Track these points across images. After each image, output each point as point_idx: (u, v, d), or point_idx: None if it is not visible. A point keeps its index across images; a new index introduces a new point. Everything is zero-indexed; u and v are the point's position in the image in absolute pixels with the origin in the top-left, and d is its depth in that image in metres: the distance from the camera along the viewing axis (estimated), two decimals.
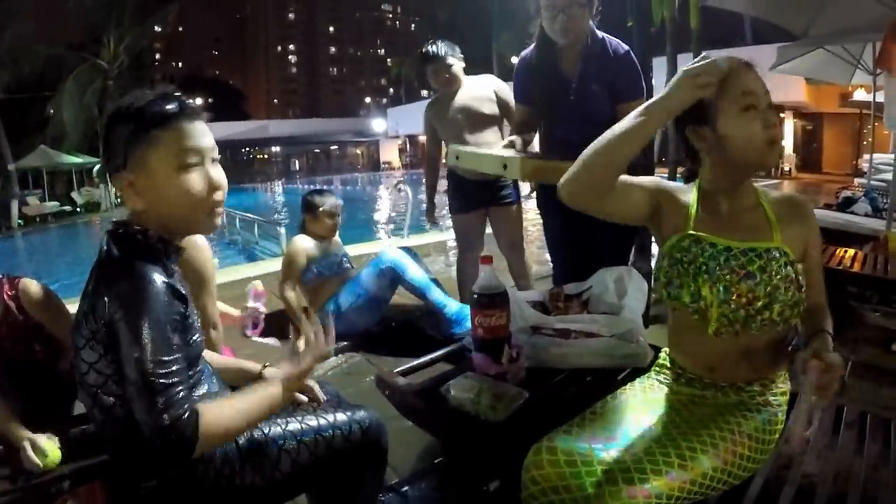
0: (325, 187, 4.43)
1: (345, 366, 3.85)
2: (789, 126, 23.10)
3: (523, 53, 3.02)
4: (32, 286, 2.15)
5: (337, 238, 4.24)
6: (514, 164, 2.29)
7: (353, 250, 4.42)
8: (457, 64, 4.18)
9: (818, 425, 1.85)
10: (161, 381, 1.29)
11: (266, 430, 1.61)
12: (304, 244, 4.02)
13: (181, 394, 1.31)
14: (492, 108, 4.17)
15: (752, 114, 1.54)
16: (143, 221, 1.46)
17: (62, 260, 15.16)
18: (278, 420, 1.69)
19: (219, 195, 1.51)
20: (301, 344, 3.81)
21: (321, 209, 4.01)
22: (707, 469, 1.45)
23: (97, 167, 27.78)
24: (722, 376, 1.65)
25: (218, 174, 1.50)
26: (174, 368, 1.32)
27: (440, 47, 4.13)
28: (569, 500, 1.39)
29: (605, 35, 2.86)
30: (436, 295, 3.81)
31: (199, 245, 2.34)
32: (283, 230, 9.58)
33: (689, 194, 1.72)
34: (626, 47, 2.87)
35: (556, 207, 3.08)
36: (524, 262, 4.50)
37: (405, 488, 2.35)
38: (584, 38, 2.80)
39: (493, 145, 2.79)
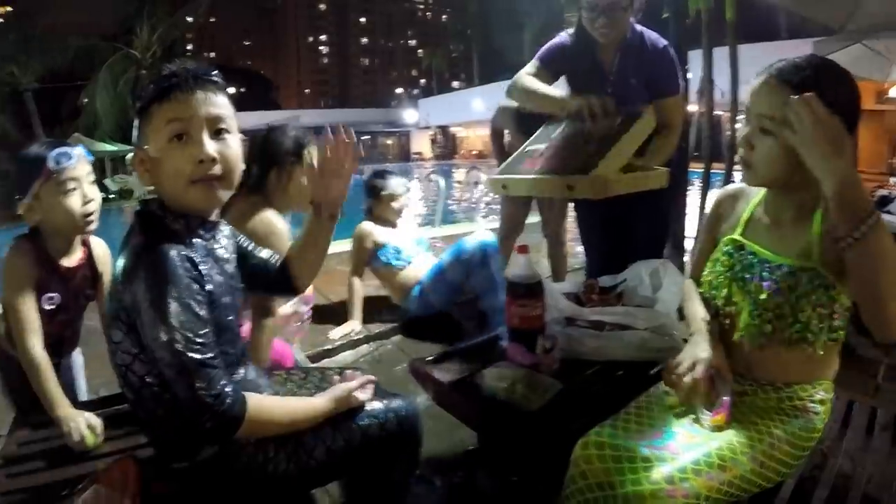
0: (387, 170, 4.37)
1: (376, 353, 3.86)
2: None
3: (561, 35, 2.96)
4: (100, 244, 2.27)
5: (409, 223, 4.27)
6: (583, 185, 2.18)
7: (448, 231, 4.45)
8: None
9: (851, 426, 1.85)
10: (195, 356, 1.30)
11: None
12: (367, 229, 4.02)
13: (218, 367, 1.33)
14: None
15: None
16: (162, 199, 1.48)
17: None
18: None
19: (218, 168, 1.45)
20: (339, 332, 3.93)
21: (383, 192, 4.02)
22: (745, 471, 1.45)
23: (130, 155, 28.08)
24: (760, 375, 1.64)
25: (214, 145, 1.44)
26: (207, 342, 1.33)
27: None
28: (611, 496, 1.40)
29: (643, 29, 2.82)
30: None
31: (274, 229, 2.35)
32: None
33: (752, 197, 1.69)
34: (665, 42, 2.82)
35: (590, 201, 3.07)
36: (564, 252, 4.61)
37: (437, 477, 2.35)
38: (624, 31, 2.76)
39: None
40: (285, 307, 2.71)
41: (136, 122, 1.46)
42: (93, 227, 2.09)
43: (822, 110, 1.26)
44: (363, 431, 1.66)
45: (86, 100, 30.63)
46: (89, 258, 2.20)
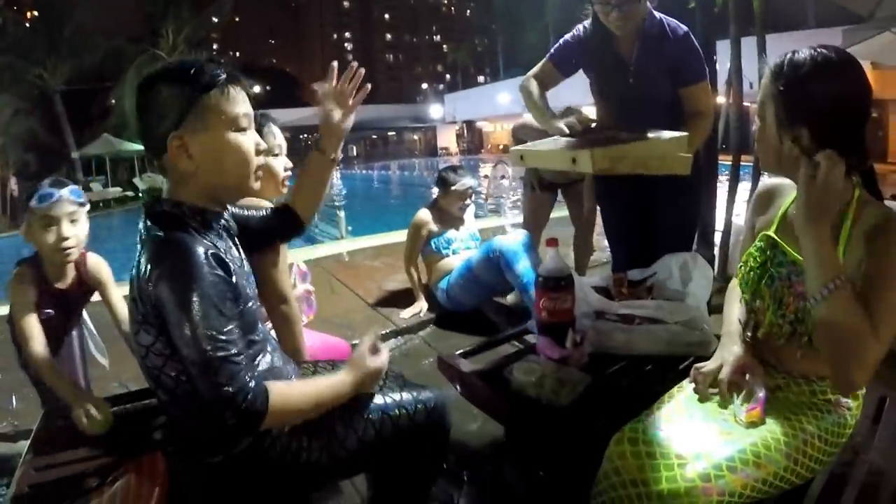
0: (460, 165, 4.71)
1: (404, 347, 3.90)
2: None
3: (577, 28, 2.93)
4: (93, 259, 2.48)
5: (466, 218, 4.42)
6: (583, 158, 2.18)
7: (476, 225, 4.65)
8: None
9: (883, 422, 1.83)
10: (219, 353, 1.31)
11: (333, 408, 1.63)
12: (425, 218, 4.26)
13: (242, 363, 1.34)
14: None
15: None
16: (183, 192, 1.49)
17: (124, 243, 15.52)
18: None
19: (261, 159, 1.58)
20: (408, 312, 4.21)
21: (453, 187, 4.24)
22: (778, 468, 1.44)
23: None
24: (791, 368, 1.62)
25: (259, 140, 1.57)
26: (231, 339, 1.34)
27: None
28: (644, 493, 1.39)
29: (662, 16, 2.79)
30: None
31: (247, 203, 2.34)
32: (342, 214, 9.65)
33: (790, 194, 1.66)
34: (685, 28, 2.79)
35: (616, 195, 3.07)
36: (589, 244, 4.73)
37: (465, 472, 2.36)
38: (641, 21, 2.72)
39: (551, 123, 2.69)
40: (296, 291, 2.74)
41: (153, 99, 1.45)
42: (70, 258, 2.33)
43: (822, 176, 1.31)
44: (394, 422, 1.68)
45: (114, 101, 30.92)
46: (80, 279, 2.43)
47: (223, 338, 1.33)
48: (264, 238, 1.92)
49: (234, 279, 1.43)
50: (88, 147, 28.16)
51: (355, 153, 64.33)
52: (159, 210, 1.47)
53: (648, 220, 3.02)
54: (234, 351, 1.33)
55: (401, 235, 7.88)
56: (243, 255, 1.66)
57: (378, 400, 1.70)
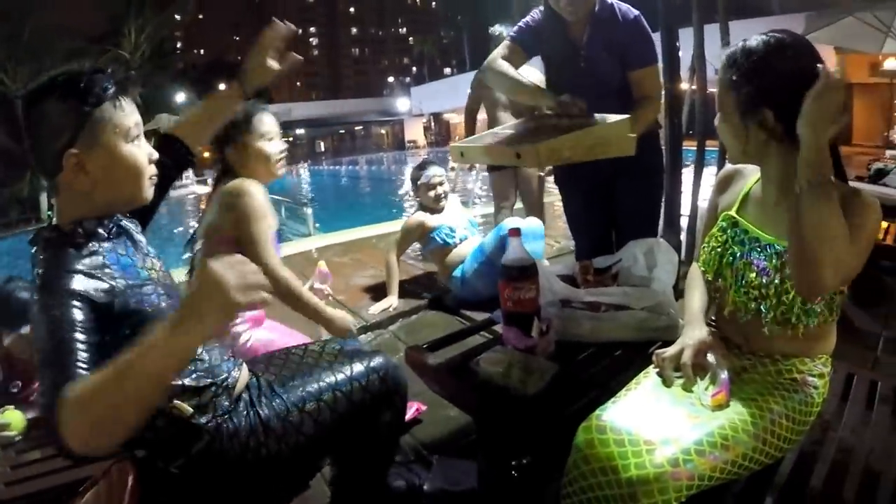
0: (428, 158, 5.03)
1: (374, 342, 3.90)
2: None
3: (533, 12, 2.89)
4: None
5: (453, 207, 4.51)
6: (528, 153, 2.15)
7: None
8: None
9: (851, 400, 1.85)
10: (58, 378, 1.17)
11: (284, 396, 1.61)
12: (417, 219, 4.34)
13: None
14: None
15: None
16: (74, 211, 1.44)
17: None
18: (294, 382, 1.71)
19: (153, 167, 1.53)
20: (377, 307, 4.31)
21: (419, 182, 4.37)
22: (747, 449, 1.44)
23: None
24: (757, 347, 1.63)
25: (150, 149, 1.53)
26: (72, 365, 1.20)
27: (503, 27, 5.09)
28: (615, 481, 1.38)
29: (614, 0, 2.75)
30: None
31: (242, 189, 2.32)
32: (309, 211, 9.61)
33: (751, 176, 1.70)
34: (636, 12, 2.75)
35: (576, 181, 3.06)
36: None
37: (436, 464, 2.35)
38: (592, 6, 2.69)
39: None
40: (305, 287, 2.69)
41: (42, 116, 1.39)
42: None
43: (820, 87, 1.32)
44: (347, 397, 1.69)
45: None
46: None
47: (64, 364, 1.20)
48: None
49: (117, 299, 1.36)
50: None
51: (322, 148, 64.11)
52: (45, 237, 1.42)
53: (610, 207, 3.02)
54: (68, 375, 1.18)
55: (370, 231, 7.91)
56: (147, 252, 1.59)
57: (329, 378, 1.70)
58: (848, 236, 1.34)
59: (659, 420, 1.48)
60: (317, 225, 9.70)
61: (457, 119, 51.99)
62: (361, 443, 1.76)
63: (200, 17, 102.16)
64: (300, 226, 10.09)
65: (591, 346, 2.04)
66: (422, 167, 4.42)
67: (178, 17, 41.20)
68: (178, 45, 65.75)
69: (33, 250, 1.41)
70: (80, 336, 1.23)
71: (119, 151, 1.43)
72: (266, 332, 2.48)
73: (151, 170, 1.52)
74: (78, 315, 1.26)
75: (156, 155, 1.53)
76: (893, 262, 4.57)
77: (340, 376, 1.71)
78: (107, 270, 1.39)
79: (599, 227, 3.06)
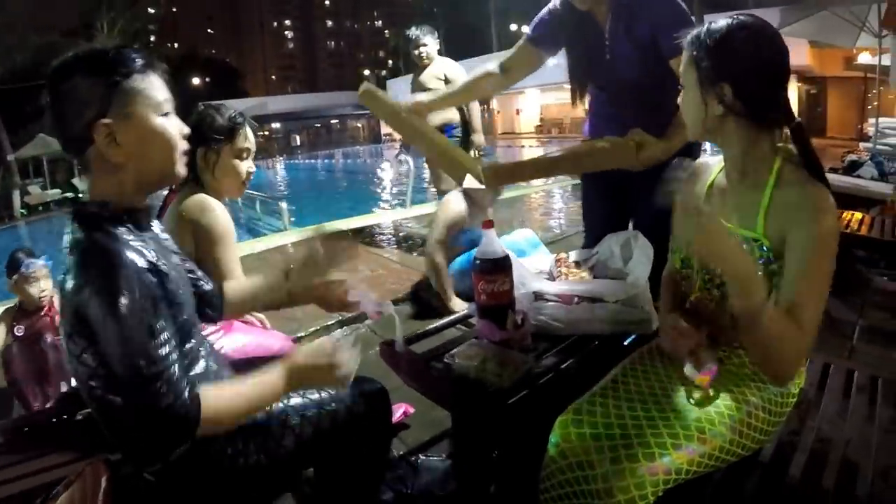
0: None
1: (350, 337, 3.84)
2: (793, 90, 22.90)
3: (550, 3, 2.50)
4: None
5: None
6: (484, 175, 2.25)
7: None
8: (431, 45, 5.34)
9: (828, 389, 1.85)
10: (148, 371, 1.26)
11: (268, 408, 1.58)
12: (458, 209, 4.05)
13: (173, 378, 1.29)
14: (437, 87, 5.09)
15: None
16: (108, 188, 1.42)
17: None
18: None
19: (185, 143, 1.52)
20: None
21: None
22: (724, 442, 1.44)
23: None
24: (727, 337, 1.63)
25: (182, 125, 1.51)
26: (163, 353, 1.29)
27: (420, 29, 5.42)
28: (591, 476, 1.38)
29: None
30: None
31: (206, 205, 2.23)
32: (284, 205, 9.56)
33: (716, 167, 1.72)
34: None
35: (595, 174, 2.78)
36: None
37: (414, 458, 2.34)
38: None
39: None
40: None
41: (72, 88, 1.37)
42: (45, 301, 3.39)
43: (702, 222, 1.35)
44: (331, 416, 1.66)
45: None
46: (53, 316, 3.41)
47: (153, 354, 1.27)
48: None
49: (169, 286, 1.39)
50: (24, 149, 27.08)
51: (298, 142, 63.67)
52: (86, 213, 1.39)
53: (627, 203, 2.71)
54: (162, 367, 1.28)
55: (345, 224, 7.85)
56: (180, 257, 1.61)
57: (314, 395, 1.67)
58: (793, 326, 1.36)
59: (636, 411, 1.48)
60: (292, 219, 9.63)
61: None
62: (343, 463, 1.73)
63: (174, 10, 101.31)
64: (275, 220, 10.04)
65: (566, 338, 2.03)
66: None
67: (151, 10, 40.72)
68: (152, 38, 65.25)
69: (73, 228, 1.38)
70: (152, 320, 1.30)
71: (151, 123, 1.41)
72: (241, 336, 2.43)
73: (184, 145, 1.50)
74: (151, 292, 1.32)
75: (187, 130, 1.51)
76: (868, 252, 4.61)
77: (326, 395, 1.67)
78: (154, 251, 1.43)
79: (613, 222, 2.69)
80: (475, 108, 5.27)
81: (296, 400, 1.65)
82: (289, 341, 2.51)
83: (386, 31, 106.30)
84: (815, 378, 1.92)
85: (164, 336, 1.31)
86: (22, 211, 23.94)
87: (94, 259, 1.31)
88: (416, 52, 5.49)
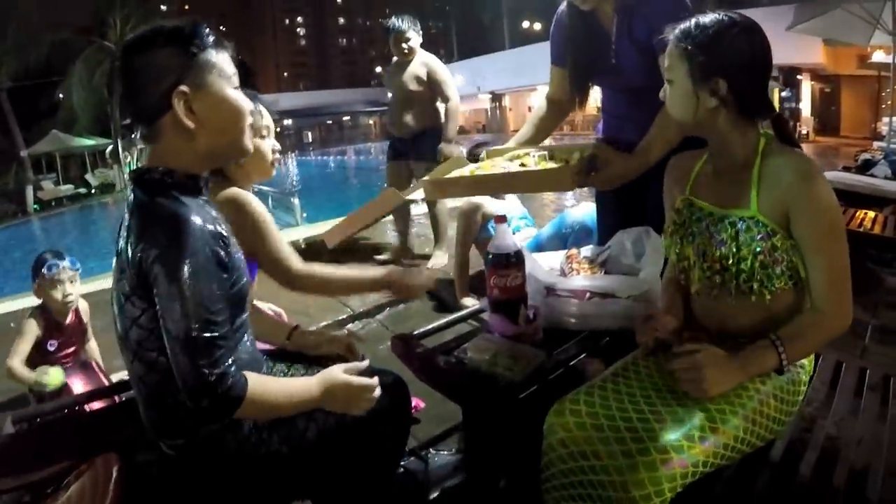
0: (481, 140, 4.72)
1: (362, 332, 3.87)
2: (807, 88, 22.75)
3: (560, 7, 2.41)
4: (83, 303, 3.35)
5: (510, 196, 4.30)
6: (423, 187, 2.31)
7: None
8: (414, 38, 5.04)
9: (839, 388, 1.84)
10: (206, 334, 1.29)
11: None
12: (477, 201, 4.07)
13: (226, 347, 1.33)
14: (417, 86, 5.09)
15: None
16: (175, 158, 1.45)
17: (79, 241, 15.29)
18: None
19: (251, 117, 1.55)
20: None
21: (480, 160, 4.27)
22: (738, 431, 1.45)
23: (110, 148, 27.98)
24: (731, 326, 1.64)
25: (248, 100, 1.56)
26: (219, 319, 1.33)
27: (403, 20, 5.07)
28: (599, 467, 1.38)
29: None
30: None
31: (240, 200, 2.18)
32: (296, 201, 9.55)
33: (699, 157, 1.74)
34: None
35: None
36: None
37: (425, 452, 2.34)
38: None
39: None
40: None
41: (150, 59, 1.41)
42: (70, 307, 3.19)
43: (687, 364, 1.45)
44: None
45: (62, 95, 30.27)
46: (78, 317, 3.28)
47: (212, 318, 1.31)
48: None
49: (231, 250, 1.43)
50: (38, 145, 27.57)
51: (310, 139, 63.66)
52: (151, 178, 1.43)
53: (642, 203, 2.49)
54: (220, 333, 1.32)
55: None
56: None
57: None
58: (830, 315, 1.50)
59: (641, 405, 1.48)
60: (304, 215, 9.63)
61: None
62: (362, 456, 1.74)
63: (186, 7, 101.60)
64: (287, 216, 10.05)
65: (578, 333, 2.02)
66: (479, 146, 4.16)
67: (163, 7, 40.77)
68: None
69: (136, 193, 1.42)
70: (216, 283, 1.35)
71: (225, 93, 1.46)
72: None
73: (250, 119, 1.54)
74: (216, 256, 1.37)
75: (251, 106, 1.55)
76: (881, 251, 4.59)
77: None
78: (215, 217, 1.47)
79: (627, 222, 2.49)
80: (453, 116, 5.13)
81: None
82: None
83: None
84: (828, 377, 1.91)
85: (222, 303, 1.35)
86: (35, 206, 24.11)
87: (160, 220, 1.35)
88: (399, 45, 5.12)
